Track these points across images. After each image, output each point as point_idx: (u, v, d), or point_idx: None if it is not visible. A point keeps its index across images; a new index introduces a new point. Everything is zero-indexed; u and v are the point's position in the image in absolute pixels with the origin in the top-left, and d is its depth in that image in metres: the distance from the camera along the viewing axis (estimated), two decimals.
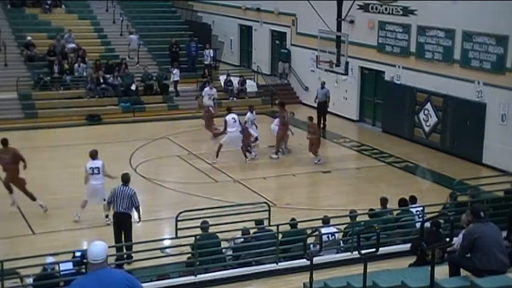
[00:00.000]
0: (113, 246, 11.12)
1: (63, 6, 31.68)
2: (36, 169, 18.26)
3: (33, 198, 15.37)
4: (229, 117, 19.64)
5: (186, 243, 11.61)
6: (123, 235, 12.70)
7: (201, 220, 12.08)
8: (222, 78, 28.58)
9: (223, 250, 12.01)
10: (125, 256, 11.98)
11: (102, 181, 14.69)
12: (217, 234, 11.93)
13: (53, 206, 15.56)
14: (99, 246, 5.77)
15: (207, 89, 24.10)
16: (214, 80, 28.50)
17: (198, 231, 11.77)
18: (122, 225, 12.77)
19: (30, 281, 10.47)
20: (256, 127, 20.84)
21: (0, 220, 14.93)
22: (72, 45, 28.26)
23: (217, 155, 19.46)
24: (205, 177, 18.56)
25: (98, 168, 14.66)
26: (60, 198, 16.12)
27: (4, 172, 15.72)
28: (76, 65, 27.25)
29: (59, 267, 10.64)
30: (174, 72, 27.43)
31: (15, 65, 27.23)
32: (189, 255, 11.56)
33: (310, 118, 20.39)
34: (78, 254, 10.67)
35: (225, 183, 18.10)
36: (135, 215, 13.18)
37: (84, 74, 26.95)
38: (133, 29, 30.88)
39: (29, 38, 27.85)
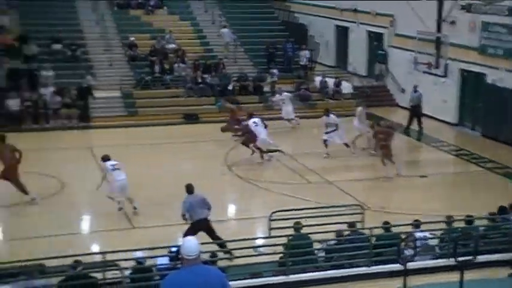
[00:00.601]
0: (208, 243, 11.33)
1: (164, 7, 32.60)
2: (135, 166, 18.91)
3: (26, 193, 16.07)
4: (251, 122, 20.03)
5: (279, 243, 11.70)
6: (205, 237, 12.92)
7: (293, 220, 12.15)
8: (318, 79, 28.55)
9: (316, 251, 12.02)
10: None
11: (125, 176, 15.36)
12: (310, 235, 11.95)
13: (153, 202, 16.06)
14: (193, 242, 5.89)
15: (277, 95, 24.51)
16: (310, 81, 28.58)
17: (291, 231, 11.84)
18: (204, 230, 12.89)
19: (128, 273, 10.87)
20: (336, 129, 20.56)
21: (103, 214, 15.56)
22: (173, 46, 29.08)
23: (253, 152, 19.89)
24: (299, 178, 18.61)
25: (118, 163, 15.45)
26: (158, 194, 16.60)
27: (5, 165, 16.28)
28: (176, 65, 28.03)
29: (155, 261, 11.01)
30: (274, 72, 27.79)
31: (119, 64, 28.31)
32: (282, 255, 11.64)
33: (378, 124, 19.77)
34: (174, 249, 10.98)
35: (319, 185, 18.07)
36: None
37: (183, 73, 27.67)
38: (226, 23, 31.37)
39: (132, 38, 28.89)
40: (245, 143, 20.16)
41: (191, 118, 25.54)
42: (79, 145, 21.89)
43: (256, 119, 20.37)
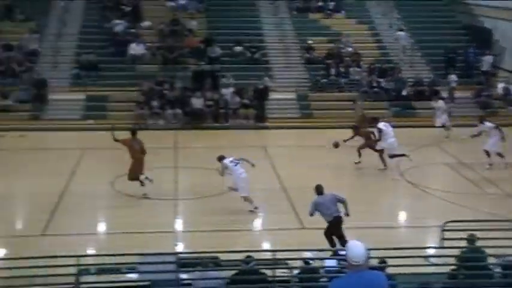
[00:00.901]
0: (377, 249, 11.25)
1: (343, 11, 32.70)
2: (308, 167, 19.26)
3: (142, 182, 16.67)
4: (381, 125, 19.43)
5: (451, 254, 11.35)
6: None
7: (467, 232, 11.72)
8: (501, 86, 27.15)
9: (491, 266, 11.50)
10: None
11: (244, 170, 15.82)
12: (485, 249, 11.45)
13: None
14: (360, 247, 5.80)
15: (432, 102, 24.18)
16: (492, 88, 27.25)
17: (464, 243, 11.43)
18: (340, 227, 13.03)
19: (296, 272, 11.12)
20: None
21: (275, 212, 16.02)
22: (349, 49, 29.13)
23: (384, 163, 19.28)
24: (475, 188, 17.87)
25: (235, 158, 15.88)
26: None
27: (132, 159, 16.79)
28: (351, 68, 28.06)
29: (323, 263, 11.17)
30: (451, 78, 26.90)
31: (296, 67, 28.89)
32: (453, 267, 11.28)
33: None
34: (342, 252, 11.05)
35: (496, 196, 17.22)
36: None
37: (358, 77, 27.63)
38: (403, 26, 30.81)
39: (309, 42, 29.38)
40: (370, 147, 19.78)
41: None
42: (254, 144, 22.69)
43: (385, 123, 19.93)
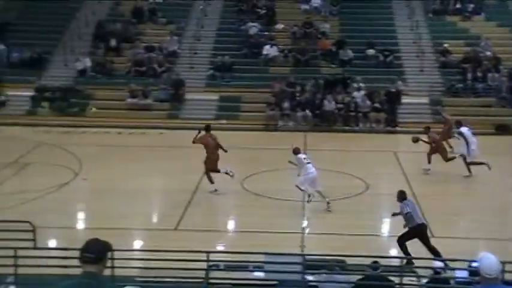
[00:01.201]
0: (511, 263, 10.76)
1: (482, 13, 31.44)
2: (437, 174, 18.72)
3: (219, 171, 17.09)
4: (464, 129, 18.73)
5: None
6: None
7: None
8: None
9: None
10: None
11: (315, 169, 15.86)
12: None
13: (449, 212, 15.79)
14: (493, 260, 5.65)
15: None
16: None
17: None
18: (421, 235, 12.50)
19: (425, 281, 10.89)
20: None
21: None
22: (488, 53, 27.98)
23: (469, 169, 18.50)
24: None
25: (307, 157, 16.09)
26: (454, 205, 16.24)
27: (208, 154, 16.92)
28: (490, 73, 26.94)
29: (453, 273, 10.85)
30: None
31: (430, 71, 28.15)
32: None
33: None
34: (474, 264, 10.68)
35: None
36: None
37: (496, 83, 26.47)
38: None
39: (445, 45, 28.52)
40: (433, 154, 19.14)
41: (503, 130, 24.35)
42: (384, 148, 22.37)
43: (468, 128, 19.15)
